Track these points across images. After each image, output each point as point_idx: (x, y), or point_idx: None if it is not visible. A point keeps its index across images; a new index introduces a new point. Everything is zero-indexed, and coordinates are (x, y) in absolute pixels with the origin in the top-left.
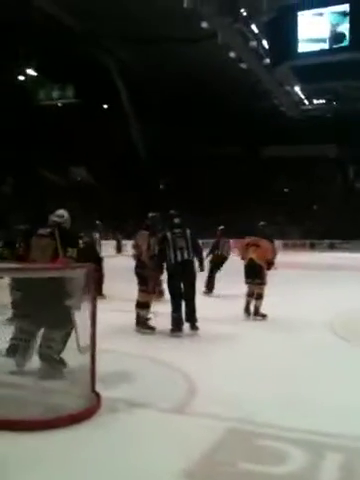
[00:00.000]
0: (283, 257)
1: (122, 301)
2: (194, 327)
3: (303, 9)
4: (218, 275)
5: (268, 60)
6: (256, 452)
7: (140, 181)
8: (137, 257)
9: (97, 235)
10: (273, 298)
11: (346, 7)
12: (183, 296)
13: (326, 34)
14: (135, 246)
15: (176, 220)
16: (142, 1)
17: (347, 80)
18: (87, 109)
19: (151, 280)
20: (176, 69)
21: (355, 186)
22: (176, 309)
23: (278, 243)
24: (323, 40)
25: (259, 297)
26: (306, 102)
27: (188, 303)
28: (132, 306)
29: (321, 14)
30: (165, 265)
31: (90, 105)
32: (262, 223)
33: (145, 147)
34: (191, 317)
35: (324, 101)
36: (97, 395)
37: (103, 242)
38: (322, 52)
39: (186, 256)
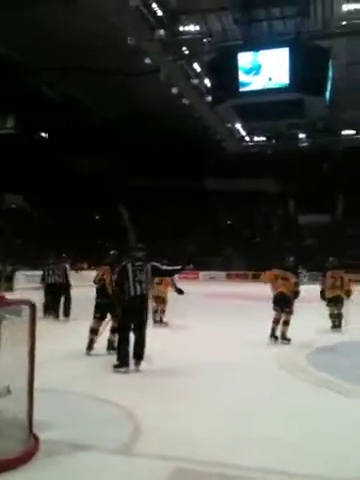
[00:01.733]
0: (228, 288)
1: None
2: (139, 363)
3: (243, 51)
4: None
5: (210, 98)
6: None
7: (79, 211)
8: (100, 288)
9: (67, 265)
10: (218, 328)
11: (285, 50)
12: (135, 331)
13: (266, 75)
14: (100, 279)
15: (139, 254)
16: (88, 33)
17: (286, 119)
18: (26, 139)
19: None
20: (121, 102)
21: (297, 219)
22: (126, 343)
23: (222, 274)
24: (263, 81)
25: (286, 323)
26: (247, 139)
27: (140, 338)
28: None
29: (261, 56)
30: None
31: (29, 134)
32: (291, 259)
33: (87, 177)
34: (140, 352)
35: (265, 138)
36: (35, 437)
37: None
38: (262, 92)
39: (144, 291)
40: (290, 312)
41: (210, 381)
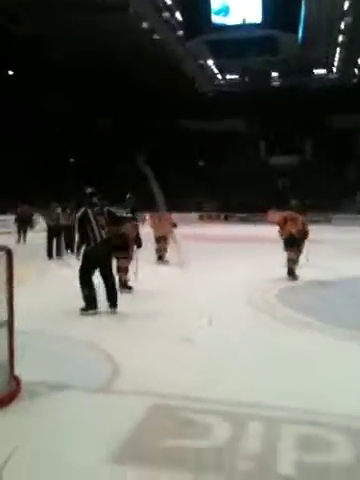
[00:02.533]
0: (200, 229)
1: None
2: (115, 311)
3: None
4: None
5: (181, 32)
6: (180, 427)
7: (51, 154)
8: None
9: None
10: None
11: None
12: (104, 278)
13: (239, 9)
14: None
15: (94, 198)
16: None
17: (259, 56)
18: None
19: (130, 249)
20: (88, 39)
21: (268, 161)
22: (90, 288)
23: (194, 215)
24: (236, 15)
25: (294, 262)
26: (219, 77)
27: (112, 286)
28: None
29: None
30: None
31: None
32: (295, 201)
33: (55, 119)
34: (114, 299)
35: (237, 76)
36: (16, 379)
37: None
38: (235, 27)
39: (105, 235)
40: (299, 251)
41: (189, 323)
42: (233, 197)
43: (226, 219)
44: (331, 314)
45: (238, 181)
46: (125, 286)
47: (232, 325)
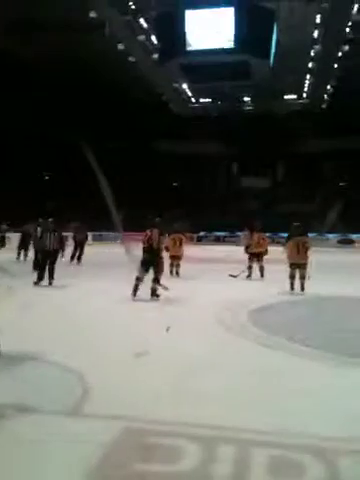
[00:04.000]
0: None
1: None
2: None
3: (190, 8)
4: None
5: (156, 56)
6: (150, 451)
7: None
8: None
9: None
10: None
11: (231, 10)
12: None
13: (212, 35)
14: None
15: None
16: None
17: (232, 81)
18: None
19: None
20: (64, 57)
21: (240, 182)
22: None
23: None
24: (210, 40)
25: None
26: (193, 100)
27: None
28: None
29: (208, 14)
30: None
31: None
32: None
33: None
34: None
35: (210, 100)
36: None
37: None
38: (209, 52)
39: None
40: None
41: (159, 337)
42: (206, 217)
43: (199, 240)
44: (300, 334)
45: (211, 202)
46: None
47: (199, 342)
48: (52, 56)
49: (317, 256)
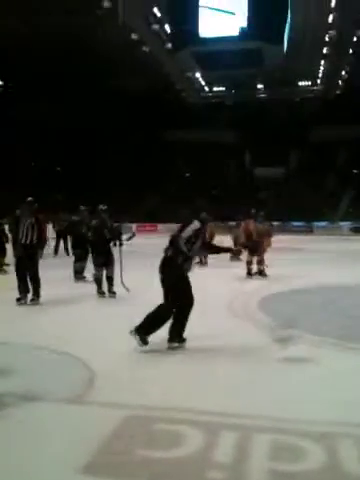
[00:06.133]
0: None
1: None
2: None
3: None
4: None
5: (170, 45)
6: (153, 437)
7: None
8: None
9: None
10: None
11: None
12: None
13: (227, 22)
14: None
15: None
16: None
17: (245, 68)
18: None
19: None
20: (77, 47)
21: (253, 171)
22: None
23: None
24: (224, 28)
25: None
26: (206, 89)
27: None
28: None
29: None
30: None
31: None
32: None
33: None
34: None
35: (223, 88)
36: None
37: None
38: (222, 39)
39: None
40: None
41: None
42: (219, 207)
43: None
44: (307, 322)
45: (223, 192)
46: None
47: (208, 333)
48: (63, 46)
49: (329, 244)
